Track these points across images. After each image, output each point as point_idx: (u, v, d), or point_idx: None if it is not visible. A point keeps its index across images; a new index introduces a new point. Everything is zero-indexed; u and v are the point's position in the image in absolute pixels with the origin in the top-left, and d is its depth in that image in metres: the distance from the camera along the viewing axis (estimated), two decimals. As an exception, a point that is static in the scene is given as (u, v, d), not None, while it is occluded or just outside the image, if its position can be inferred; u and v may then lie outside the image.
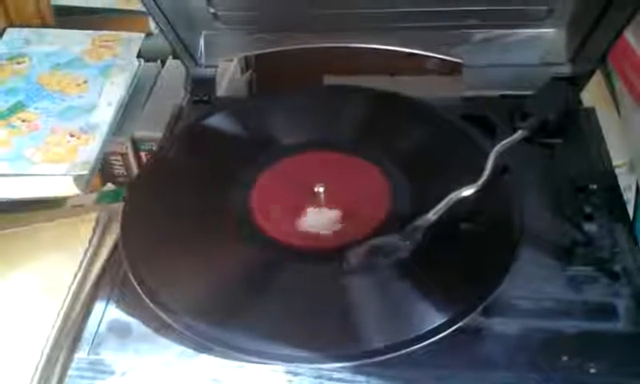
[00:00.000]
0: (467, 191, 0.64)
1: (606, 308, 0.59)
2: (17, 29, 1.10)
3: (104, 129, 0.91)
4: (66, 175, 0.84)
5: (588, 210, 0.64)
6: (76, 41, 1.07)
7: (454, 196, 0.64)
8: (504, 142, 0.70)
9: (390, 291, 0.61)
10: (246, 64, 0.98)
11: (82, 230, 0.74)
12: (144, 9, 0.81)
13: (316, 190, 0.69)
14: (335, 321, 0.59)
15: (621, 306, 0.59)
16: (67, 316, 0.66)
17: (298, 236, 0.66)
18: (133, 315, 0.62)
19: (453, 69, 0.85)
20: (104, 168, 0.94)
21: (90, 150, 0.88)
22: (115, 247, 0.72)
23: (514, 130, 0.73)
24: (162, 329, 0.60)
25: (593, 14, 0.76)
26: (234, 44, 0.91)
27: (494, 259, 0.62)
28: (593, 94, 0.90)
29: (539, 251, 0.64)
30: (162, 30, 0.85)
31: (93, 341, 0.60)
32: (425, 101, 0.81)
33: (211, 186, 0.73)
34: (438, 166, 0.73)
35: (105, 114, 0.94)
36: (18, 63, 1.03)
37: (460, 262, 0.62)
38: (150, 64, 1.07)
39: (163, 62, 1.08)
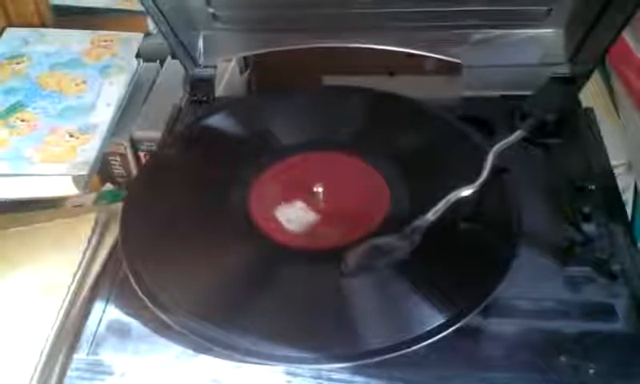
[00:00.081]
0: (466, 191, 0.64)
1: (604, 308, 0.59)
2: (16, 29, 1.10)
3: (103, 129, 0.91)
4: (65, 175, 0.84)
5: (586, 210, 0.65)
6: (75, 41, 1.07)
7: (452, 196, 0.64)
8: (503, 141, 0.70)
9: (389, 291, 0.61)
10: (245, 64, 0.98)
11: (81, 230, 0.74)
12: (143, 9, 0.81)
13: (315, 189, 0.70)
14: (334, 321, 0.59)
15: (619, 306, 0.59)
16: (66, 316, 0.66)
17: (297, 236, 0.66)
18: (132, 315, 0.62)
19: (452, 69, 0.85)
20: (103, 168, 0.94)
21: (89, 149, 0.88)
22: (114, 247, 0.72)
23: (513, 130, 0.73)
24: (161, 329, 0.60)
25: (592, 15, 0.76)
26: (232, 44, 0.91)
27: (492, 259, 0.62)
28: (592, 95, 0.91)
29: (538, 251, 0.64)
30: (160, 30, 0.85)
31: (92, 341, 0.60)
32: (424, 101, 0.81)
33: (210, 186, 0.73)
34: (436, 167, 0.73)
35: (104, 114, 0.94)
36: (17, 63, 1.03)
37: (459, 263, 0.63)
38: (149, 64, 1.07)
39: (162, 62, 1.08)
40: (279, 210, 0.69)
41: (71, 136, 0.90)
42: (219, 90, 0.91)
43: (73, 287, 0.68)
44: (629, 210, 0.89)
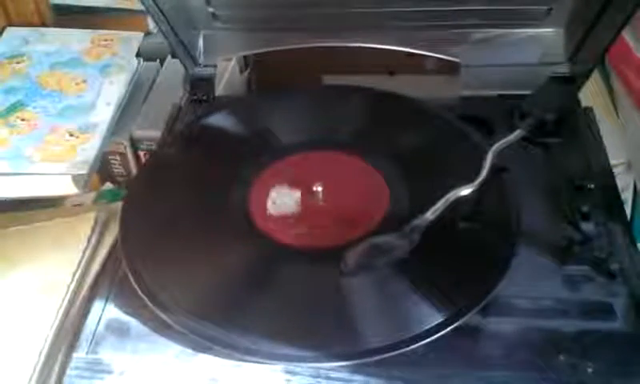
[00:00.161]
0: (465, 190, 0.64)
1: (603, 307, 0.59)
2: (16, 28, 1.10)
3: (103, 128, 0.91)
4: (64, 174, 0.84)
5: (585, 209, 0.65)
6: (75, 40, 1.07)
7: (452, 195, 0.64)
8: (502, 141, 0.70)
9: (388, 290, 0.61)
10: (245, 63, 0.98)
11: (81, 229, 0.74)
12: (143, 8, 0.81)
13: (314, 189, 0.70)
14: (333, 320, 0.59)
15: (618, 305, 0.59)
16: (66, 315, 0.66)
17: (296, 235, 0.66)
18: (131, 314, 0.62)
19: (452, 68, 0.85)
20: (103, 167, 0.94)
21: (89, 149, 0.88)
22: (114, 246, 0.72)
23: (513, 130, 0.73)
24: (161, 328, 0.60)
25: (592, 14, 0.76)
26: (232, 43, 0.91)
27: (491, 258, 0.62)
28: (591, 94, 0.91)
29: (537, 250, 0.64)
30: (160, 30, 0.85)
31: (91, 340, 0.60)
32: (424, 100, 0.81)
33: (210, 185, 0.73)
34: (436, 166, 0.73)
35: (104, 114, 0.94)
36: (18, 62, 1.03)
37: (458, 262, 0.63)
38: (149, 63, 1.07)
39: (162, 61, 1.08)
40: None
41: (71, 135, 0.90)
42: (219, 90, 0.91)
43: (72, 286, 0.68)
44: (628, 209, 0.89)
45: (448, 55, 0.85)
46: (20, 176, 0.85)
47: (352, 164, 0.74)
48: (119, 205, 0.72)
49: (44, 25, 1.12)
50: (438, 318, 0.57)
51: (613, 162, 0.75)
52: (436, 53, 0.85)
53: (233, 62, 0.95)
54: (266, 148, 0.78)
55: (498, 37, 0.85)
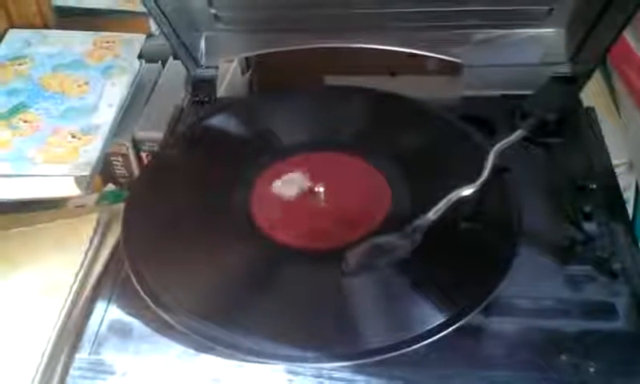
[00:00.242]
0: (467, 191, 0.64)
1: (605, 307, 0.59)
2: (18, 30, 1.10)
3: (105, 129, 0.92)
4: (67, 176, 0.85)
5: (587, 209, 0.65)
6: (77, 42, 1.07)
7: (453, 195, 0.64)
8: (504, 141, 0.70)
9: (389, 291, 0.61)
10: (247, 64, 0.98)
11: (83, 231, 0.74)
12: (145, 10, 0.81)
13: (316, 189, 0.70)
14: (335, 320, 0.59)
15: (620, 304, 0.59)
16: (68, 316, 0.66)
17: (298, 236, 0.66)
18: (134, 315, 0.62)
19: (453, 69, 0.85)
20: (105, 168, 0.94)
21: (91, 150, 0.88)
22: (116, 247, 0.72)
23: (514, 130, 0.73)
24: (163, 329, 0.60)
25: (593, 14, 0.76)
26: (234, 45, 0.91)
27: (493, 258, 0.62)
28: (592, 94, 0.90)
29: (539, 250, 0.64)
30: (162, 31, 0.85)
31: (94, 341, 0.60)
32: (425, 101, 0.82)
33: (212, 186, 0.73)
34: (437, 166, 0.73)
35: (106, 115, 0.94)
36: (20, 64, 1.04)
37: (460, 262, 0.63)
38: (151, 65, 1.07)
39: (164, 63, 1.08)
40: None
41: (73, 137, 0.90)
42: (221, 91, 0.91)
43: (75, 287, 0.69)
44: (630, 209, 0.89)
45: (450, 56, 0.85)
46: (22, 178, 0.85)
47: (354, 164, 0.74)
48: (121, 206, 0.72)
49: (46, 27, 1.12)
50: (440, 318, 0.57)
51: (615, 161, 0.75)
52: (438, 53, 0.85)
53: (234, 64, 0.95)
54: (268, 149, 0.78)
55: (500, 37, 0.85)
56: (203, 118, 0.84)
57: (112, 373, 0.58)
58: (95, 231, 0.75)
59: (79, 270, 0.70)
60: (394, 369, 0.55)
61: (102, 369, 0.58)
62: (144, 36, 1.08)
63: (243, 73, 0.98)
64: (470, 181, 0.65)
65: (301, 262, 0.64)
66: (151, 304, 0.60)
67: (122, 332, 0.61)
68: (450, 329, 0.56)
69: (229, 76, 0.94)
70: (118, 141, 0.94)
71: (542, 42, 0.84)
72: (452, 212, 0.64)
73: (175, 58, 1.05)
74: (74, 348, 0.61)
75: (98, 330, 0.61)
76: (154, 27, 1.09)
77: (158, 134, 0.88)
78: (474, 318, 0.57)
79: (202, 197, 0.72)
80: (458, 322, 0.56)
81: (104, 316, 0.62)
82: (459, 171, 0.69)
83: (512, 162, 0.70)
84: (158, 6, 0.81)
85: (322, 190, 0.70)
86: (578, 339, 0.56)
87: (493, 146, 0.69)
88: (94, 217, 0.76)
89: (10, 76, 1.01)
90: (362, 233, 0.65)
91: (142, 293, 0.61)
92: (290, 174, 0.72)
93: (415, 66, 0.91)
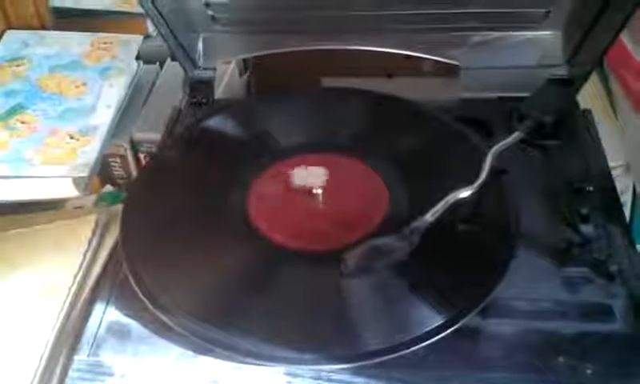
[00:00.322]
0: (464, 193, 0.65)
1: (602, 309, 0.59)
2: (16, 31, 1.10)
3: (103, 130, 0.92)
4: (65, 177, 0.84)
5: (584, 211, 0.65)
6: (75, 43, 1.07)
7: (451, 197, 0.64)
8: (501, 143, 0.70)
9: (388, 292, 0.61)
10: (245, 66, 0.98)
11: (82, 232, 0.74)
12: (142, 11, 0.81)
13: (314, 191, 0.70)
14: (334, 322, 0.59)
15: (617, 306, 0.59)
16: (67, 317, 0.66)
17: (296, 238, 0.67)
18: (132, 317, 0.62)
19: (449, 71, 0.86)
20: (103, 170, 0.94)
21: (89, 151, 0.88)
22: (114, 249, 0.72)
23: (511, 132, 0.73)
24: (162, 330, 0.60)
25: (589, 17, 0.77)
26: (232, 46, 0.91)
27: (491, 260, 0.62)
28: (589, 96, 0.91)
29: (536, 252, 0.64)
30: (160, 33, 0.85)
31: (92, 342, 0.60)
32: (422, 103, 0.82)
33: (210, 187, 0.73)
34: (435, 168, 0.74)
35: (104, 116, 0.94)
36: (18, 65, 1.03)
37: (457, 264, 0.63)
38: (149, 66, 1.07)
39: (162, 64, 1.08)
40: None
41: (71, 138, 0.90)
42: (219, 92, 0.91)
43: (73, 289, 0.69)
44: (627, 211, 0.89)
45: (447, 58, 0.85)
46: (20, 179, 0.85)
47: (351, 166, 0.75)
48: (120, 207, 0.72)
49: (44, 28, 1.12)
50: (438, 320, 0.57)
51: (611, 164, 0.75)
52: (435, 56, 0.86)
53: (232, 65, 0.95)
54: (266, 150, 0.78)
55: (497, 39, 0.86)
56: (201, 120, 0.84)
57: (111, 374, 0.58)
58: (93, 232, 0.74)
59: (77, 272, 0.70)
60: (393, 371, 0.55)
61: (101, 370, 0.58)
62: (141, 37, 1.08)
63: (241, 74, 0.98)
64: (467, 183, 0.65)
65: (299, 264, 0.65)
66: (149, 305, 0.60)
67: (120, 333, 0.61)
68: (448, 331, 0.56)
69: (226, 77, 0.94)
70: (115, 142, 0.94)
71: (539, 45, 0.85)
72: (449, 214, 0.64)
73: (173, 59, 1.05)
74: (73, 350, 0.61)
75: (96, 332, 0.61)
76: (151, 28, 1.09)
77: (156, 136, 0.88)
78: (471, 319, 0.57)
79: (200, 198, 0.72)
80: (455, 323, 0.56)
81: (102, 317, 0.62)
82: (457, 173, 0.69)
83: (509, 164, 0.70)
84: (156, 7, 0.81)
85: (319, 191, 0.70)
86: (575, 341, 0.57)
87: (490, 148, 0.69)
88: (92, 218, 0.76)
89: (8, 77, 1.01)
90: (359, 234, 0.65)
91: (140, 294, 0.61)
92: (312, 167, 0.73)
93: (412, 67, 0.91)
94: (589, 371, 0.54)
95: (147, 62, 1.08)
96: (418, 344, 0.55)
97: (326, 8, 0.84)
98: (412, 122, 0.80)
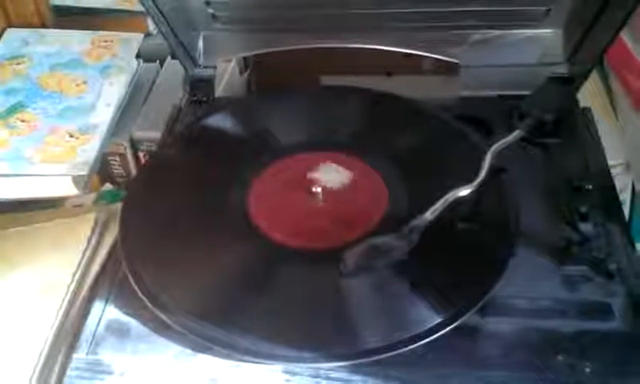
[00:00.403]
0: (464, 191, 0.64)
1: (601, 307, 0.59)
2: (16, 29, 1.10)
3: (103, 129, 0.92)
4: (64, 175, 0.85)
5: (584, 209, 0.65)
6: (75, 41, 1.07)
7: (450, 196, 0.64)
8: (501, 141, 0.70)
9: (387, 291, 0.61)
10: (245, 64, 0.98)
11: (81, 230, 0.74)
12: (143, 9, 0.81)
13: (314, 189, 0.70)
14: (332, 320, 0.59)
15: (616, 305, 0.59)
16: (66, 316, 0.66)
17: (296, 236, 0.67)
18: (131, 315, 0.62)
19: (449, 69, 0.85)
20: (103, 168, 0.94)
21: (89, 150, 0.88)
22: (114, 247, 0.72)
23: (511, 130, 0.73)
24: (161, 329, 0.60)
25: (589, 15, 0.76)
26: (232, 44, 0.91)
27: (490, 259, 0.62)
28: (589, 94, 0.91)
29: (535, 251, 0.64)
30: (160, 31, 0.85)
31: (91, 341, 0.60)
32: (422, 101, 0.82)
33: (210, 185, 0.73)
34: (434, 166, 0.74)
35: (104, 115, 0.94)
36: (18, 64, 1.04)
37: (457, 262, 0.63)
38: (149, 64, 1.08)
39: (162, 63, 1.08)
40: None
41: (71, 136, 0.90)
42: (219, 91, 0.91)
43: (72, 287, 0.69)
44: (626, 209, 0.89)
45: (447, 56, 0.85)
46: (20, 177, 0.86)
47: (351, 165, 0.74)
48: (119, 206, 0.72)
49: (44, 26, 1.12)
50: (437, 319, 0.57)
51: (611, 162, 0.75)
52: (435, 54, 0.85)
53: (232, 63, 0.95)
54: (266, 149, 0.78)
55: (497, 38, 0.86)
56: (201, 118, 0.84)
57: (110, 373, 0.58)
58: (93, 231, 0.75)
59: (77, 270, 0.70)
60: (391, 369, 0.55)
61: (100, 369, 0.58)
62: (142, 35, 1.08)
63: (241, 72, 0.98)
64: (467, 181, 0.65)
65: (298, 262, 0.65)
66: (149, 304, 0.60)
67: (119, 332, 0.61)
68: (447, 329, 0.56)
69: (227, 76, 0.94)
70: (115, 140, 0.94)
71: (540, 43, 0.84)
72: (449, 212, 0.64)
73: (173, 57, 1.05)
74: (72, 348, 0.61)
75: (95, 330, 0.61)
76: (151, 27, 1.09)
77: (156, 134, 0.88)
78: (470, 318, 0.57)
79: (200, 196, 0.72)
80: (454, 322, 0.56)
81: (101, 316, 0.62)
82: (456, 171, 0.69)
83: (509, 163, 0.70)
84: (156, 6, 0.81)
85: (319, 190, 0.70)
86: (574, 339, 0.57)
87: (490, 146, 0.69)
88: (91, 216, 0.76)
89: (8, 75, 1.01)
90: (359, 233, 0.65)
91: (139, 293, 0.61)
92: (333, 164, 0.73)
93: (411, 66, 0.91)
94: (588, 370, 0.54)
95: (147, 60, 1.08)
96: (416, 342, 0.55)
97: (326, 6, 0.84)
98: (411, 121, 0.80)
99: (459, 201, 0.64)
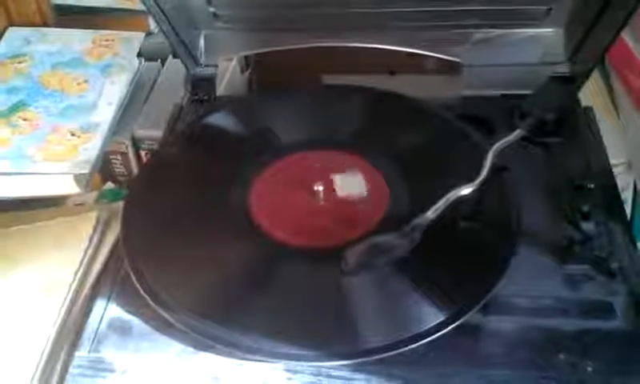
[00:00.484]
0: (465, 190, 0.64)
1: (603, 306, 0.59)
2: (18, 28, 1.10)
3: (104, 128, 0.92)
4: (66, 174, 0.85)
5: (586, 208, 0.65)
6: (77, 40, 1.07)
7: (452, 195, 0.64)
8: (502, 140, 0.70)
9: (388, 290, 0.61)
10: (246, 63, 0.98)
11: (83, 229, 0.75)
12: (144, 8, 0.81)
13: (315, 188, 0.70)
14: (334, 319, 0.59)
15: (618, 303, 0.59)
16: (68, 314, 0.66)
17: (297, 234, 0.67)
18: (133, 313, 0.62)
19: (452, 68, 0.85)
20: (104, 167, 0.94)
21: (90, 148, 0.88)
22: (116, 245, 0.72)
23: (513, 129, 0.73)
24: (163, 327, 0.60)
25: (591, 14, 0.76)
26: (233, 43, 0.91)
27: (492, 257, 0.62)
28: (591, 94, 0.91)
29: (537, 249, 0.64)
30: (162, 29, 0.85)
31: (93, 339, 0.60)
32: (424, 100, 0.82)
33: (211, 184, 0.73)
34: (436, 165, 0.74)
35: (105, 113, 0.94)
36: (20, 62, 1.04)
37: (458, 261, 0.63)
38: (151, 63, 1.07)
39: (163, 61, 1.08)
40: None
41: (73, 135, 0.90)
42: (220, 89, 0.91)
43: (74, 285, 0.69)
44: (628, 208, 0.89)
45: (449, 55, 0.85)
46: (22, 176, 0.86)
47: (352, 163, 0.74)
48: (121, 204, 0.72)
49: (45, 25, 1.12)
50: (439, 317, 0.57)
51: (613, 161, 0.75)
52: (437, 53, 0.85)
53: (234, 62, 0.95)
54: (267, 147, 0.78)
55: (499, 37, 0.85)
56: (202, 117, 0.84)
57: (112, 371, 0.58)
58: (95, 229, 0.75)
59: (79, 268, 0.70)
60: (393, 368, 0.55)
61: (102, 367, 0.58)
62: (143, 34, 1.08)
63: (242, 71, 0.98)
64: (468, 180, 0.65)
65: (300, 261, 0.65)
66: (151, 302, 0.60)
67: (121, 330, 0.61)
68: (449, 328, 0.56)
69: (228, 74, 0.94)
70: (117, 139, 0.94)
71: (541, 42, 0.84)
72: (451, 211, 0.64)
73: (174, 56, 1.05)
74: (74, 346, 0.61)
75: (97, 328, 0.61)
76: (153, 25, 1.09)
77: (158, 133, 0.88)
78: (472, 316, 0.57)
79: (202, 195, 0.72)
80: (456, 320, 0.56)
81: (103, 314, 0.62)
82: (458, 170, 0.69)
83: (511, 162, 0.70)
84: (157, 4, 0.81)
85: (321, 189, 0.70)
86: (576, 338, 0.57)
87: (492, 145, 0.69)
88: (93, 215, 0.76)
89: (10, 74, 1.01)
90: (360, 232, 0.65)
91: (141, 291, 0.61)
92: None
93: (414, 65, 0.91)
94: (589, 368, 0.54)
95: (149, 59, 1.08)
96: (418, 341, 0.55)
97: (328, 5, 0.84)
98: (413, 120, 0.80)
99: (461, 200, 0.64)
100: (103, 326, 0.61)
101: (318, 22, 0.86)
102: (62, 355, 0.64)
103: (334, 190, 0.70)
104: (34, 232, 0.76)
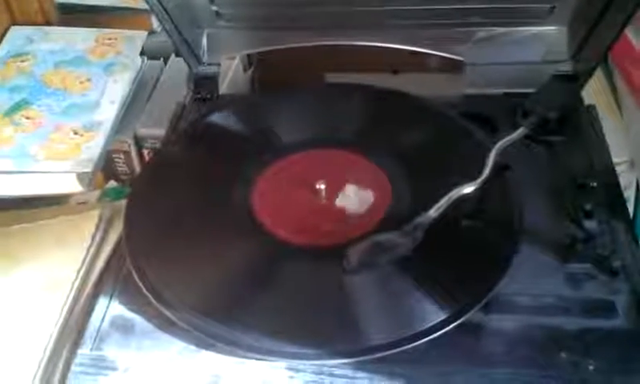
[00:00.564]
0: (468, 188, 0.65)
1: (605, 305, 0.59)
2: (20, 27, 1.10)
3: (107, 126, 0.92)
4: (69, 172, 0.85)
5: (588, 207, 0.65)
6: (79, 39, 1.07)
7: (454, 193, 0.64)
8: (505, 139, 0.70)
9: (391, 288, 0.61)
10: (249, 62, 0.98)
11: (85, 227, 0.75)
12: (147, 7, 0.82)
13: (317, 187, 0.70)
14: (336, 317, 0.59)
15: (620, 302, 0.59)
16: (70, 312, 0.66)
17: (299, 233, 0.67)
18: (135, 311, 0.62)
19: (455, 66, 0.85)
20: (107, 165, 0.94)
21: (93, 147, 0.88)
22: (118, 244, 0.73)
23: (516, 128, 0.73)
24: (165, 325, 0.60)
25: (594, 12, 0.76)
26: (236, 42, 0.91)
27: (494, 256, 0.62)
28: (594, 92, 0.91)
29: (539, 248, 0.64)
30: (164, 28, 0.85)
31: (96, 337, 0.60)
32: (427, 98, 0.82)
33: (214, 183, 0.74)
34: (439, 164, 0.74)
35: (108, 112, 0.94)
36: (22, 61, 1.04)
37: (460, 259, 0.63)
38: (153, 62, 1.07)
39: (166, 60, 1.08)
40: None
41: (75, 133, 0.90)
42: (223, 88, 0.92)
43: (76, 283, 0.69)
44: (630, 207, 0.89)
45: (452, 54, 0.85)
46: (24, 174, 0.86)
47: (355, 162, 0.74)
48: (123, 203, 0.72)
49: (48, 24, 1.12)
50: (441, 316, 0.57)
51: (615, 160, 0.75)
52: (440, 51, 0.85)
53: (236, 61, 0.95)
54: (270, 146, 0.78)
55: (502, 35, 0.85)
56: (205, 115, 0.84)
57: (114, 368, 0.58)
58: (97, 228, 0.75)
59: (81, 267, 0.70)
60: (395, 366, 0.55)
61: (104, 365, 0.58)
62: (146, 33, 1.09)
63: (245, 70, 0.98)
64: (471, 178, 0.65)
65: (302, 259, 0.65)
66: (153, 300, 0.60)
67: (123, 328, 0.61)
68: (451, 326, 0.56)
69: (231, 73, 0.94)
70: (119, 138, 0.94)
71: (544, 40, 0.84)
72: (453, 210, 0.64)
73: (177, 55, 1.05)
74: (76, 344, 0.61)
75: (99, 326, 0.61)
76: (155, 24, 1.09)
77: (160, 131, 0.88)
78: (474, 315, 0.57)
79: (204, 194, 0.72)
80: (458, 319, 0.56)
81: (106, 312, 0.62)
82: (460, 169, 0.69)
83: (513, 160, 0.70)
84: (160, 3, 0.81)
85: (323, 187, 0.70)
86: (577, 337, 0.56)
87: (494, 143, 0.69)
88: (95, 213, 0.76)
89: (13, 73, 1.02)
90: (363, 230, 0.65)
91: (143, 289, 0.61)
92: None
93: (417, 63, 0.91)
94: (591, 367, 0.54)
95: (151, 57, 1.08)
96: (420, 339, 0.55)
97: (331, 4, 0.84)
98: (416, 118, 0.80)
99: (463, 198, 0.64)
100: (105, 324, 0.61)
101: (320, 21, 0.86)
102: (65, 353, 0.64)
103: (336, 193, 0.70)
104: (37, 230, 0.76)
